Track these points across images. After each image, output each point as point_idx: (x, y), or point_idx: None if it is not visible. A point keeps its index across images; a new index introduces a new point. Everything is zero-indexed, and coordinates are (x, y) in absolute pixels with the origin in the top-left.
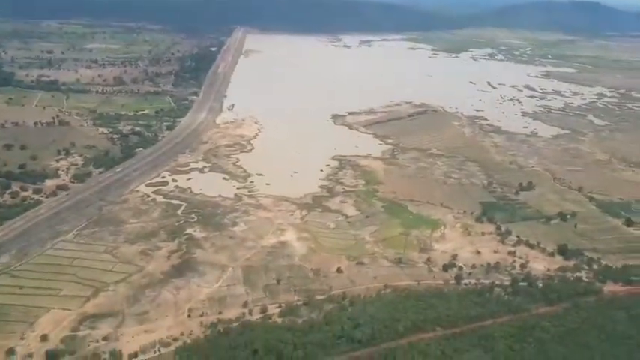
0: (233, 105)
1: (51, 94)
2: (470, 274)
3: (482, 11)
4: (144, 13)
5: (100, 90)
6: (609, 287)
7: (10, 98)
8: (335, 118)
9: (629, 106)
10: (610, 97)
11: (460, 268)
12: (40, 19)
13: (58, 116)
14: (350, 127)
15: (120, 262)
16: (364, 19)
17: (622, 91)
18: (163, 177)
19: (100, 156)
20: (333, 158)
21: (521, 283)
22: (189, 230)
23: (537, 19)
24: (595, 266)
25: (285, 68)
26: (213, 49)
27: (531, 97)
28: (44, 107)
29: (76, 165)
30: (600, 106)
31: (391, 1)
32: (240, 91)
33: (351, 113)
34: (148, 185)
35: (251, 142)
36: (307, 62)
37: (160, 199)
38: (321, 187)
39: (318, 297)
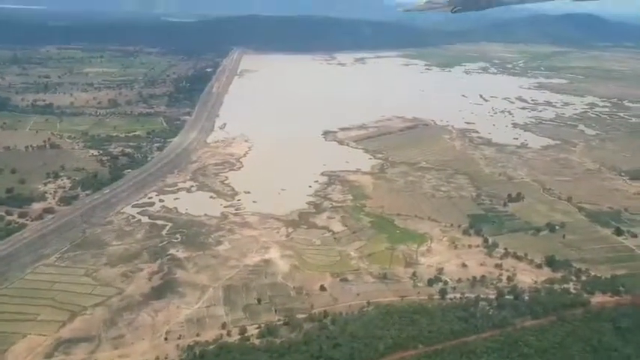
0: (225, 124)
1: (45, 117)
2: (455, 288)
3: (475, 26)
4: (142, 37)
5: (93, 113)
6: (597, 299)
7: (5, 123)
8: (326, 134)
9: (621, 115)
10: (602, 106)
11: (445, 282)
12: (40, 46)
13: (49, 139)
14: (340, 142)
15: (99, 285)
16: (359, 37)
17: (614, 100)
18: (150, 197)
19: (89, 178)
20: (322, 174)
21: (507, 297)
22: (172, 251)
23: (531, 33)
24: (583, 277)
25: (278, 86)
26: (209, 70)
27: (523, 108)
28: (37, 131)
29: (64, 188)
30: (592, 115)
31: (386, 20)
32: (233, 110)
33: (342, 129)
34: (134, 206)
35: (240, 160)
36: (301, 80)
37: (145, 219)
38: (308, 203)
39: (299, 316)
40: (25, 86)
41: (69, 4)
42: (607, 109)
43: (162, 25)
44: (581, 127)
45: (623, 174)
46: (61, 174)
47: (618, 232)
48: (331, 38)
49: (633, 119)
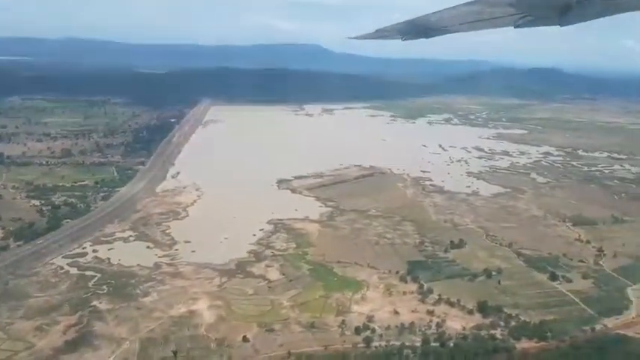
0: (178, 173)
1: None
2: (382, 336)
3: (443, 80)
4: (111, 88)
5: (44, 162)
6: (523, 344)
7: None
8: (280, 182)
9: (573, 163)
10: (556, 155)
11: (373, 330)
12: (5, 96)
13: None
14: (293, 190)
15: (9, 340)
16: (329, 89)
17: (568, 149)
18: (84, 248)
19: (24, 228)
20: (269, 222)
21: (432, 344)
22: (95, 302)
23: (496, 86)
24: (513, 323)
25: (241, 136)
26: (173, 120)
27: (479, 157)
28: None
29: None
30: (545, 164)
31: (356, 72)
32: (190, 159)
33: (298, 177)
34: (64, 257)
35: (187, 209)
36: (265, 130)
37: (73, 270)
38: (249, 252)
39: None
40: None
41: (52, 55)
42: (560, 158)
43: (133, 76)
44: (534, 175)
45: (567, 220)
46: None
47: (553, 277)
48: (301, 90)
49: (585, 167)
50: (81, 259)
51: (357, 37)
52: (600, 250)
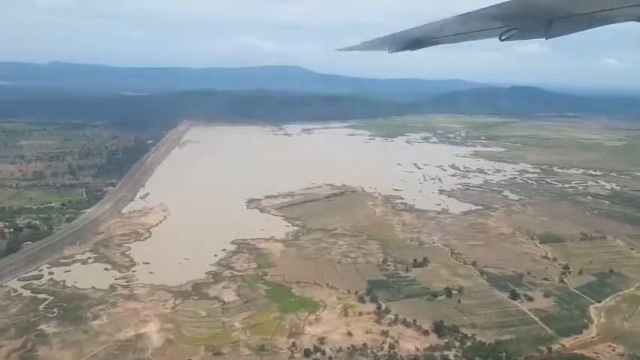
0: (147, 194)
1: None
2: (331, 358)
3: (424, 99)
4: (93, 111)
5: (14, 185)
6: None
7: None
8: (250, 202)
9: (548, 180)
10: (532, 172)
11: (324, 352)
12: None
13: None
14: (262, 210)
15: None
16: (310, 109)
17: (545, 166)
18: (41, 270)
19: None
20: (232, 242)
21: None
22: (42, 326)
23: (477, 105)
24: (468, 343)
25: (216, 156)
26: (150, 141)
27: (453, 175)
28: None
29: None
30: (520, 181)
31: (338, 93)
32: (162, 180)
33: (267, 197)
34: (19, 279)
35: (150, 230)
36: (241, 150)
37: (26, 293)
38: (208, 272)
39: None
40: None
41: (38, 79)
42: (536, 175)
43: (116, 99)
44: (506, 192)
45: (535, 237)
46: None
47: (514, 295)
48: (282, 111)
49: (559, 184)
50: (36, 282)
51: (344, 49)
52: (566, 267)
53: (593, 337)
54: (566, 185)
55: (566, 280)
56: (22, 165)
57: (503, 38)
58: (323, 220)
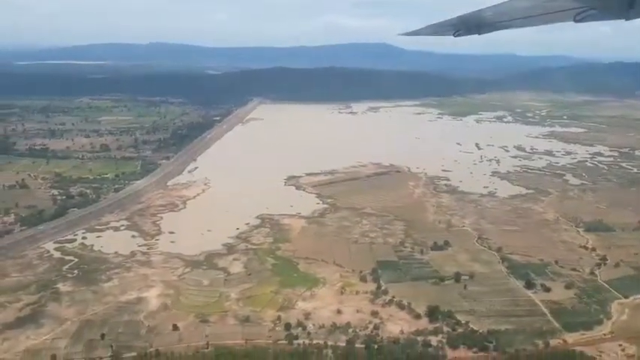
0: (196, 168)
1: (33, 160)
2: (309, 334)
3: (513, 76)
4: (172, 88)
5: (79, 157)
6: (457, 353)
7: None
8: (289, 179)
9: (623, 165)
10: (607, 155)
11: (305, 327)
12: (76, 96)
13: (23, 180)
14: (298, 187)
15: None
16: (384, 87)
17: (625, 150)
18: (76, 235)
19: (33, 214)
20: (258, 217)
21: (358, 346)
22: (59, 284)
23: (571, 82)
24: (459, 330)
25: (275, 134)
26: (217, 118)
27: (515, 157)
28: (17, 172)
29: (6, 223)
30: (589, 165)
31: (422, 70)
32: (214, 155)
33: (308, 174)
34: (55, 242)
35: (187, 202)
36: (301, 127)
37: (57, 254)
38: (224, 244)
39: (128, 354)
40: (37, 132)
41: (136, 59)
42: (611, 159)
43: (198, 77)
44: (569, 176)
45: (580, 225)
46: (12, 210)
47: (529, 285)
48: (351, 89)
49: (634, 170)
50: (68, 245)
51: (407, 34)
52: (603, 258)
53: (604, 335)
54: None
55: (597, 272)
56: (94, 138)
57: (578, 19)
58: (355, 199)
